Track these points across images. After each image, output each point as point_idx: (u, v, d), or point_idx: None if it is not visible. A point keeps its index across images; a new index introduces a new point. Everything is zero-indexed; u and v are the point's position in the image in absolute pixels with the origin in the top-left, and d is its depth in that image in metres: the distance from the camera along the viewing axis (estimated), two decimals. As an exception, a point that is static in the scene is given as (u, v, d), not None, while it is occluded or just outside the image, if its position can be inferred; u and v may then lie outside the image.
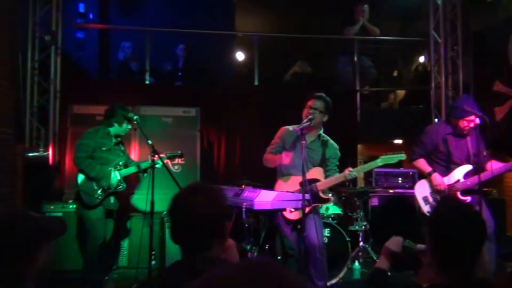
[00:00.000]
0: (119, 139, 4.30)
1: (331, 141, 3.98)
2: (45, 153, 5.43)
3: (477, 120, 3.81)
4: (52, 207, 4.77)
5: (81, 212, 4.15)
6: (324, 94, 3.93)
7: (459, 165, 4.04)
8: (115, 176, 4.13)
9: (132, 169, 4.21)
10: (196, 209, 1.58)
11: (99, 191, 4.07)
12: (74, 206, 4.77)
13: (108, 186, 4.08)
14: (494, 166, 3.83)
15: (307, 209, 3.41)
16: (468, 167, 4.01)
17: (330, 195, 3.92)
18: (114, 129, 4.22)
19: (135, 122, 4.09)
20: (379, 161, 3.73)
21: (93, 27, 7.82)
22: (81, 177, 4.12)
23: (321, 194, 3.75)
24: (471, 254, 1.62)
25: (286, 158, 3.88)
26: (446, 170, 4.06)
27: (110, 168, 4.12)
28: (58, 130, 5.64)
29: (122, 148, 4.36)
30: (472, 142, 4.03)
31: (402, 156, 3.78)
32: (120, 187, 4.18)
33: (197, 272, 1.56)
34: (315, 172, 3.80)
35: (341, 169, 4.00)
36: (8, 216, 1.64)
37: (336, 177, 3.77)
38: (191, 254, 1.60)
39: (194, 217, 1.58)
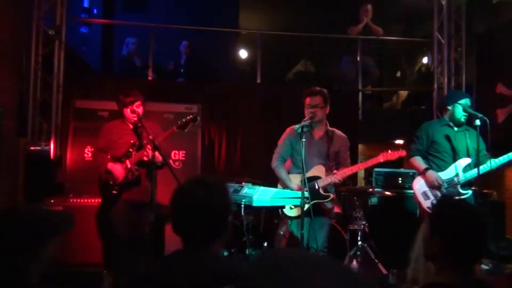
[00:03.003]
0: (139, 128, 4.02)
1: (338, 132, 3.99)
2: (47, 147, 5.45)
3: (477, 122, 3.78)
4: (53, 201, 4.79)
5: (103, 210, 4.09)
6: (318, 88, 3.93)
7: (457, 158, 3.95)
8: (126, 165, 3.94)
9: (142, 154, 3.90)
10: (198, 201, 1.58)
11: (112, 182, 3.97)
12: (76, 200, 4.81)
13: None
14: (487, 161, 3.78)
15: (306, 206, 3.42)
16: (467, 160, 3.92)
17: (332, 190, 3.94)
18: (125, 116, 4.07)
19: (131, 105, 3.96)
20: (381, 158, 3.84)
21: (97, 22, 7.84)
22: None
23: (321, 192, 3.77)
24: (475, 252, 1.64)
25: (296, 159, 3.91)
26: (445, 164, 3.98)
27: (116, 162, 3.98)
28: (60, 125, 5.66)
29: (137, 134, 4.08)
30: (471, 136, 3.96)
31: (402, 153, 3.92)
32: (130, 174, 3.94)
33: (200, 268, 1.57)
34: (317, 170, 3.81)
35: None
36: (14, 209, 1.63)
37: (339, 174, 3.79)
38: (193, 247, 1.59)
39: (197, 210, 1.58)
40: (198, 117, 3.97)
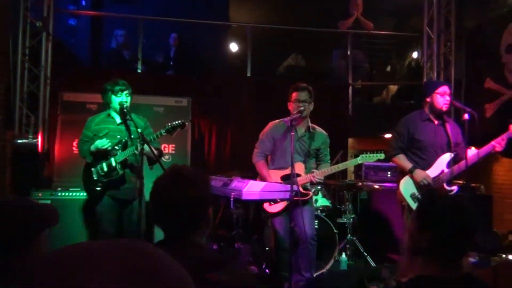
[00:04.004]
0: (127, 117, 3.86)
1: (319, 129, 4.00)
2: (34, 140, 5.39)
3: (466, 116, 3.74)
4: (40, 195, 4.75)
5: (88, 205, 4.04)
6: (305, 83, 3.93)
7: (438, 154, 3.84)
8: (111, 163, 3.86)
9: (127, 153, 3.81)
10: (176, 193, 1.58)
11: (96, 178, 3.88)
12: (63, 194, 4.77)
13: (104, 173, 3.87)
14: (470, 152, 3.71)
15: (284, 203, 3.45)
16: (449, 156, 3.82)
17: (313, 190, 3.97)
18: (112, 108, 3.93)
19: (120, 93, 3.84)
20: (359, 159, 3.96)
21: (85, 14, 7.74)
22: (83, 169, 3.99)
23: (301, 189, 3.76)
24: (463, 246, 1.65)
25: (275, 154, 3.92)
26: (426, 161, 3.85)
27: (101, 161, 3.87)
28: (48, 117, 5.60)
29: (125, 127, 3.94)
30: (452, 130, 3.89)
31: (381, 156, 3.95)
32: (114, 173, 3.85)
33: (181, 256, 1.57)
34: (297, 167, 3.78)
35: (332, 160, 4.07)
36: (5, 202, 1.61)
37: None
38: (173, 238, 1.60)
39: (175, 202, 1.57)
40: (187, 123, 3.88)
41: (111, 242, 0.62)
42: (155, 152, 3.66)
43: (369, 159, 3.94)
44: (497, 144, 3.72)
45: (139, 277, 0.57)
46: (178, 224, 1.59)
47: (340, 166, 3.98)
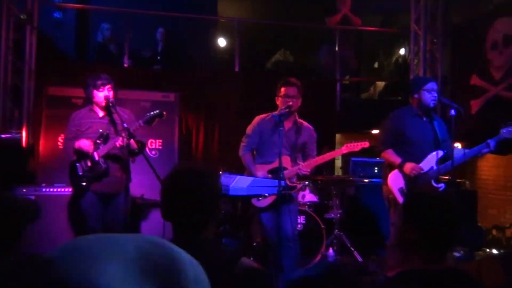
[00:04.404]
0: (112, 110, 3.83)
1: (306, 124, 4.01)
2: (19, 135, 5.32)
3: (452, 112, 3.76)
4: (24, 190, 4.67)
5: (74, 201, 3.99)
6: (293, 79, 3.94)
7: (426, 150, 3.83)
8: (93, 157, 3.77)
9: (110, 145, 3.75)
10: (189, 189, 1.59)
11: (81, 174, 3.82)
12: (48, 189, 4.70)
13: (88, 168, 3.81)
14: (457, 152, 3.75)
15: (273, 197, 3.45)
16: (439, 153, 3.81)
17: (300, 185, 3.98)
18: (95, 102, 3.87)
19: (102, 87, 3.77)
20: (344, 148, 3.96)
21: (71, 7, 7.63)
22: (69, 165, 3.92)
23: (288, 182, 3.77)
24: (449, 240, 1.67)
25: (262, 148, 3.92)
26: (413, 157, 3.83)
27: (84, 156, 3.78)
28: (32, 112, 5.52)
29: (108, 121, 3.90)
30: (440, 127, 3.90)
31: (365, 144, 3.94)
32: (97, 167, 3.77)
33: (197, 254, 1.56)
34: (283, 161, 3.78)
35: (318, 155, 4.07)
36: None
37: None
38: (185, 234, 1.59)
39: (187, 198, 1.58)
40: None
41: (129, 235, 0.62)
42: (142, 146, 3.64)
43: (354, 148, 3.94)
44: (489, 147, 3.75)
45: (156, 271, 0.57)
46: (190, 220, 1.59)
47: (326, 157, 3.99)
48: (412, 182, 3.81)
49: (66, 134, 4.00)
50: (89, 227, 3.86)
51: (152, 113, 3.75)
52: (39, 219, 1.69)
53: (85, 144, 3.77)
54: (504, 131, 3.71)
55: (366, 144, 3.95)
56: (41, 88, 5.38)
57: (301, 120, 4.00)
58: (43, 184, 4.77)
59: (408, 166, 3.78)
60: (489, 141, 3.72)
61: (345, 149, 3.96)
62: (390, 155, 3.89)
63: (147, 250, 0.58)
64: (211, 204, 1.63)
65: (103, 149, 3.80)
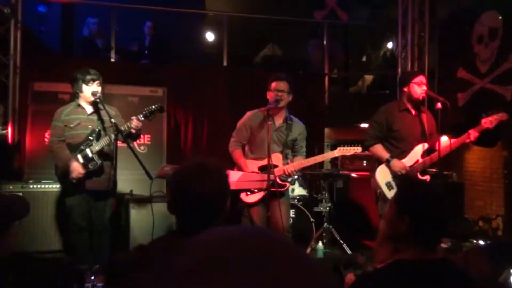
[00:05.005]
0: (100, 106, 3.80)
1: (297, 121, 4.01)
2: (4, 131, 5.24)
3: (439, 105, 3.81)
4: (11, 187, 4.62)
5: (63, 198, 3.94)
6: (285, 74, 3.94)
7: (414, 145, 3.88)
8: (87, 154, 3.76)
9: (103, 142, 3.74)
10: (199, 186, 1.59)
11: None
12: (35, 186, 4.65)
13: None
14: (443, 142, 3.79)
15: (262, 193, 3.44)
16: (424, 146, 3.87)
17: (289, 180, 3.99)
18: (83, 97, 3.82)
19: (92, 82, 3.73)
20: (336, 152, 4.00)
21: (56, 1, 7.50)
22: None
23: (278, 180, 3.77)
24: (439, 230, 1.69)
25: (253, 144, 3.91)
26: (401, 150, 3.89)
27: (76, 153, 3.76)
28: (18, 108, 5.44)
29: (96, 117, 3.86)
30: (428, 120, 3.93)
31: (358, 149, 3.99)
32: (91, 164, 3.74)
33: None
34: (274, 158, 3.77)
35: (308, 152, 4.07)
36: None
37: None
38: (192, 230, 1.58)
39: (198, 193, 1.58)
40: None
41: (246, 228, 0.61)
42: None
43: (346, 152, 3.99)
44: (469, 137, 3.80)
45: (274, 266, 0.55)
46: (199, 216, 1.59)
47: (317, 159, 4.01)
48: (399, 176, 3.86)
49: (53, 132, 3.89)
50: (74, 224, 3.84)
51: (152, 107, 3.74)
52: (28, 215, 1.66)
53: (75, 169, 3.71)
54: (485, 120, 3.77)
55: (358, 149, 3.99)
56: (27, 84, 5.30)
57: (292, 117, 4.00)
58: (30, 180, 4.72)
59: (395, 165, 3.83)
60: (470, 131, 3.78)
61: (337, 152, 4.00)
62: (378, 150, 3.93)
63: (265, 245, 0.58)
64: (219, 201, 1.63)
65: (96, 146, 3.76)
